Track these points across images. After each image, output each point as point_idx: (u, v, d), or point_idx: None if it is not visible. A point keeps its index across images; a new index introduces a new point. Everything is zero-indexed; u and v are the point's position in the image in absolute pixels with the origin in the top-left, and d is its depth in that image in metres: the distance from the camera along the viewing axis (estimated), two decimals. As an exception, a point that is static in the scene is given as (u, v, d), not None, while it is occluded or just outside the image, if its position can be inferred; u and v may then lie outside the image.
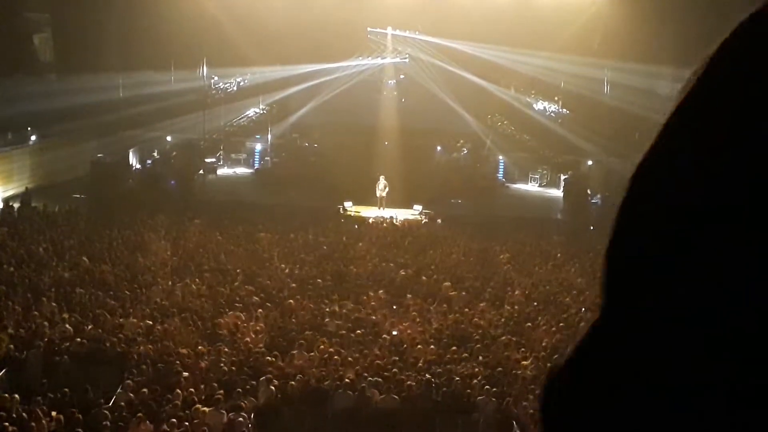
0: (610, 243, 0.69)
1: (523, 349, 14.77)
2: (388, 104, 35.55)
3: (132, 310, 15.93)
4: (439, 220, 27.96)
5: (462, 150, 35.16)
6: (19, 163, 28.93)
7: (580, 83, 33.71)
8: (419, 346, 14.72)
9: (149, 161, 33.23)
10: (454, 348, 14.57)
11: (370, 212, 28.48)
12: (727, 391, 0.58)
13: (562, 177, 33.03)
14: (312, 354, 14.03)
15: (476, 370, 13.62)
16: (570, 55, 32.32)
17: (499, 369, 13.70)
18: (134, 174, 31.80)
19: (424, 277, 19.49)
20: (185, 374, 12.84)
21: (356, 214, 28.36)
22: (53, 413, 11.17)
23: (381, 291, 18.24)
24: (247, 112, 37.37)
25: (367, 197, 29.04)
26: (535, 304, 17.82)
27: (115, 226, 22.93)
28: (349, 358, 13.87)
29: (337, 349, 14.30)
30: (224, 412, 11.62)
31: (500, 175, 34.96)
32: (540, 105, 37.22)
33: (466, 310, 17.04)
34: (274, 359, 13.66)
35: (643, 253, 0.65)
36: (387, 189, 28.53)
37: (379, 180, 28.73)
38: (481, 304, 17.56)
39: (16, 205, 25.80)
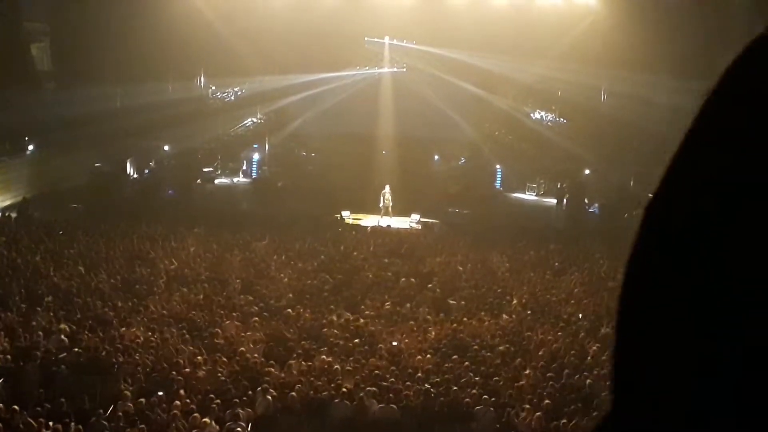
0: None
1: (521, 359, 14.75)
2: (385, 113, 35.59)
3: (129, 319, 15.89)
4: (436, 229, 28.00)
5: (459, 159, 35.23)
6: (17, 172, 28.93)
7: (577, 92, 33.80)
8: (417, 356, 14.70)
9: (147, 171, 33.24)
10: (453, 357, 14.54)
11: (368, 221, 28.53)
12: None
13: (560, 186, 33.09)
14: (310, 364, 14.01)
15: (474, 379, 13.59)
16: (567, 64, 32.42)
17: (497, 378, 13.67)
18: (132, 183, 31.81)
19: (426, 287, 19.49)
20: (183, 384, 12.80)
21: (355, 222, 28.42)
22: (51, 423, 11.13)
23: (380, 301, 18.23)
24: (245, 122, 37.44)
25: (365, 206, 29.10)
26: (530, 312, 17.81)
27: (113, 235, 22.92)
28: (348, 368, 13.84)
29: (336, 358, 14.26)
30: (213, 422, 11.58)
31: (498, 184, 35.02)
32: (537, 114, 37.31)
33: (465, 319, 17.02)
34: (271, 369, 13.63)
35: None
36: (390, 198, 28.72)
37: (384, 189, 28.91)
38: (480, 313, 17.54)
39: (13, 215, 25.79)
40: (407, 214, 28.98)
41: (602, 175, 32.21)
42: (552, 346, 15.25)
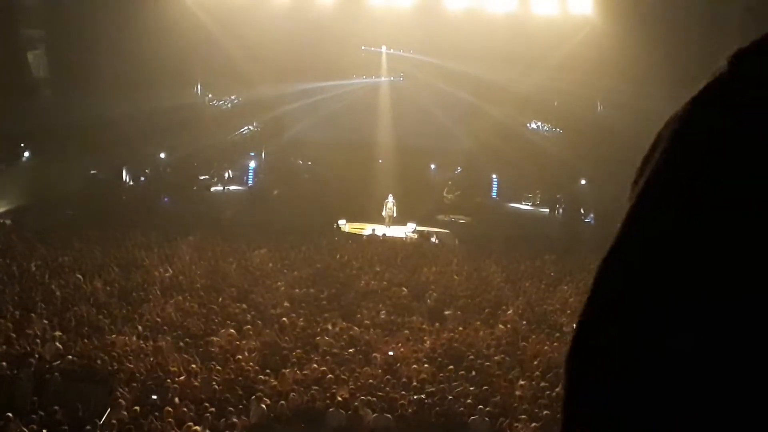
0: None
1: (516, 369, 14.75)
2: (382, 122, 35.66)
3: (124, 327, 15.85)
4: (432, 238, 28.03)
5: (456, 168, 35.30)
6: (12, 179, 28.87)
7: (574, 102, 33.87)
8: (413, 365, 14.69)
9: (143, 178, 33.22)
10: (448, 367, 14.53)
11: (364, 230, 28.58)
12: None
13: (556, 196, 33.18)
14: (305, 372, 13.98)
15: (469, 389, 13.58)
16: (564, 75, 32.51)
17: (492, 388, 13.66)
18: (128, 191, 31.77)
19: (422, 296, 19.50)
20: (177, 392, 12.77)
21: (352, 230, 28.45)
22: (44, 431, 11.09)
23: (376, 310, 18.22)
24: (242, 130, 37.44)
25: (361, 215, 29.15)
26: (526, 322, 17.81)
27: (108, 243, 22.88)
28: (342, 377, 13.82)
29: (330, 367, 14.25)
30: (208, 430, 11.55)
31: (494, 193, 35.10)
32: (534, 124, 37.38)
33: (460, 328, 17.02)
34: (266, 377, 13.61)
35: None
36: (395, 208, 28.91)
37: (387, 198, 29.07)
38: (476, 323, 17.54)
39: (8, 222, 25.73)
40: (403, 223, 29.07)
41: (598, 185, 32.27)
42: (547, 356, 15.26)
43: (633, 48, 28.86)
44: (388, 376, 14.01)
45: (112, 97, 31.08)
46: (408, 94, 36.16)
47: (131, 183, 32.89)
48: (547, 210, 32.97)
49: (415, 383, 13.75)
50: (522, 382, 13.99)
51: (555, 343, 16.10)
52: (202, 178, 33.75)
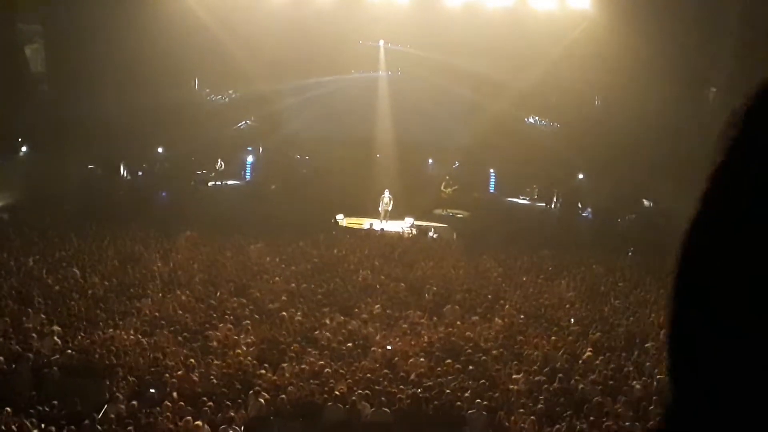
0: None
1: (513, 363, 14.79)
2: (380, 117, 35.62)
3: (122, 322, 15.87)
4: (430, 233, 28.05)
5: (454, 163, 35.29)
6: (9, 174, 28.81)
7: (572, 98, 33.86)
8: (410, 360, 14.71)
9: (140, 173, 33.17)
10: (446, 361, 14.56)
11: (362, 225, 28.58)
12: None
13: (554, 190, 33.19)
14: (303, 367, 14.00)
15: (467, 383, 13.62)
16: (562, 70, 32.50)
17: (490, 382, 13.70)
18: (125, 186, 31.73)
19: (419, 291, 19.51)
20: (175, 387, 12.79)
21: (349, 226, 28.45)
22: (43, 426, 11.11)
23: (373, 304, 18.24)
24: (240, 125, 37.38)
25: (359, 210, 29.14)
26: (523, 317, 17.84)
27: (106, 237, 22.88)
28: (340, 371, 13.85)
29: (328, 361, 14.27)
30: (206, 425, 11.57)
31: (491, 188, 35.11)
32: (531, 119, 37.37)
33: (458, 323, 17.05)
34: (264, 372, 13.63)
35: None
36: (391, 202, 28.86)
37: (384, 193, 29.04)
38: (473, 318, 17.57)
39: (6, 217, 25.70)
40: (401, 217, 29.07)
41: (595, 179, 32.30)
42: (544, 351, 15.30)
43: (631, 43, 28.83)
44: (386, 371, 14.03)
45: (109, 92, 31.01)
46: (406, 88, 36.09)
47: (129, 178, 32.83)
48: (544, 204, 33.03)
49: (412, 377, 13.78)
50: (519, 376, 14.02)
51: (552, 338, 16.15)
52: (199, 172, 33.72)
